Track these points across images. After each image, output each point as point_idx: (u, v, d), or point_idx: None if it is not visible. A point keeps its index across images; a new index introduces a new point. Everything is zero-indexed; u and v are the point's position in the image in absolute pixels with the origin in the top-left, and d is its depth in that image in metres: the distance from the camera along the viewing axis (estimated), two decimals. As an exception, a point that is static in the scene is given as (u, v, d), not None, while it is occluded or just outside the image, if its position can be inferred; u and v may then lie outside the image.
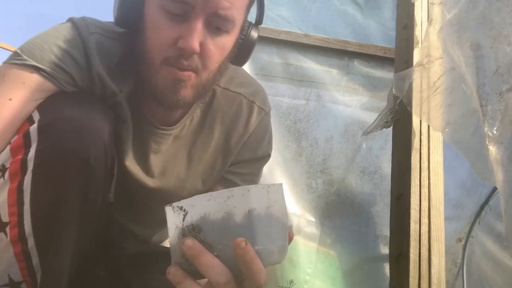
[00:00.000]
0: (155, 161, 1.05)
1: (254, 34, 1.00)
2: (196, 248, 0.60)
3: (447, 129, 1.00)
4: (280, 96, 2.01)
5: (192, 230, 0.61)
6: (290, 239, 0.68)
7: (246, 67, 2.06)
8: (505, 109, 0.77)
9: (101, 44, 0.94)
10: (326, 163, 1.91)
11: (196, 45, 0.86)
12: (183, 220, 0.61)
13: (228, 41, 0.93)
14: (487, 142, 0.77)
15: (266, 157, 1.18)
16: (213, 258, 0.60)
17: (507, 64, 0.80)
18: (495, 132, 0.76)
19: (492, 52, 0.83)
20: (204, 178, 1.12)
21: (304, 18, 2.12)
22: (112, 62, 0.95)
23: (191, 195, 1.03)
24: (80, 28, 0.94)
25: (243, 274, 0.61)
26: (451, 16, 0.96)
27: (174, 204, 0.62)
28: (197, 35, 0.86)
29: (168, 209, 0.63)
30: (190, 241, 0.60)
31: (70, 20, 0.96)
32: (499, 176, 0.74)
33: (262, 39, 2.08)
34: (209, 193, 0.61)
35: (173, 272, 0.63)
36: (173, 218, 0.62)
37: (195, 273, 0.62)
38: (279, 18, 2.11)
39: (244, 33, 0.99)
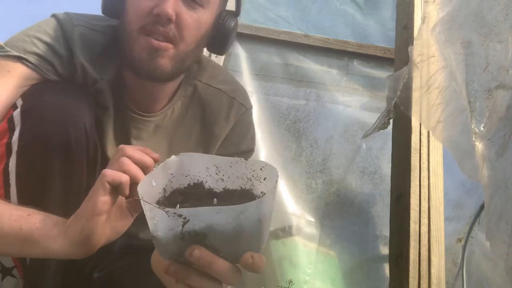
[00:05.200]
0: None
1: (231, 22, 1.05)
2: (205, 257, 0.60)
3: (437, 128, 1.00)
4: (280, 96, 2.01)
5: (194, 236, 0.59)
6: None
7: (246, 67, 2.08)
8: (493, 106, 0.77)
9: (85, 35, 1.01)
10: (325, 163, 1.90)
11: (170, 10, 0.91)
12: (183, 226, 0.59)
13: (203, 16, 0.99)
14: (473, 139, 0.77)
15: (249, 151, 1.21)
16: (223, 263, 0.61)
17: (496, 62, 0.80)
18: (482, 128, 0.76)
19: (482, 50, 0.84)
20: None
21: (304, 18, 2.13)
22: (95, 51, 1.01)
23: None
24: (62, 21, 1.01)
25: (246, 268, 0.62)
26: (444, 14, 0.96)
27: (169, 210, 0.58)
28: (171, 3, 0.92)
29: (155, 210, 0.60)
30: (197, 252, 0.59)
31: (54, 15, 1.03)
32: (484, 172, 0.74)
33: (262, 39, 2.09)
34: (219, 207, 0.59)
35: (174, 270, 0.62)
36: (167, 221, 0.59)
37: (189, 263, 0.62)
38: (279, 18, 2.12)
39: (221, 20, 1.04)
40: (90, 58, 1.00)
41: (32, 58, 0.96)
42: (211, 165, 0.73)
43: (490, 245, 0.72)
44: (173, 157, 0.73)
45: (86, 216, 0.76)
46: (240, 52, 2.09)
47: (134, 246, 1.13)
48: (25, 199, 0.87)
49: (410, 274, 1.30)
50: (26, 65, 0.95)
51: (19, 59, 0.95)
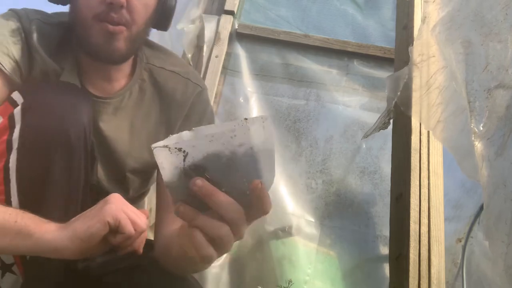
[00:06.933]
0: (99, 129, 1.11)
1: (172, 1, 1.15)
2: (207, 187, 0.62)
3: (437, 127, 1.00)
4: (280, 96, 2.01)
5: (195, 170, 0.63)
6: None
7: (246, 67, 2.08)
8: (492, 105, 0.77)
9: (41, 29, 1.06)
10: (325, 163, 1.90)
11: None
12: (184, 161, 0.63)
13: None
14: (473, 138, 0.77)
15: None
16: (225, 196, 0.63)
17: (496, 61, 0.80)
18: (481, 128, 0.77)
19: (482, 49, 0.84)
20: (150, 149, 1.15)
21: (304, 18, 2.13)
22: (52, 44, 1.06)
23: (138, 164, 1.14)
24: (20, 15, 1.05)
25: (254, 206, 0.65)
26: (444, 14, 0.96)
27: (170, 145, 0.63)
28: None
29: (161, 150, 0.64)
30: (200, 181, 0.62)
31: (11, 9, 1.07)
32: (483, 172, 0.74)
33: (262, 39, 2.09)
34: (210, 134, 0.63)
35: (183, 210, 0.65)
36: (171, 159, 0.63)
37: (201, 208, 0.65)
38: (279, 18, 2.12)
39: (163, 0, 1.13)
40: (48, 50, 1.05)
41: None
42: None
43: (489, 244, 0.72)
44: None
45: (100, 218, 0.82)
46: (240, 52, 2.09)
47: None
48: (25, 196, 0.90)
49: (410, 274, 1.30)
50: None
51: None
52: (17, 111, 0.93)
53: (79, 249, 0.83)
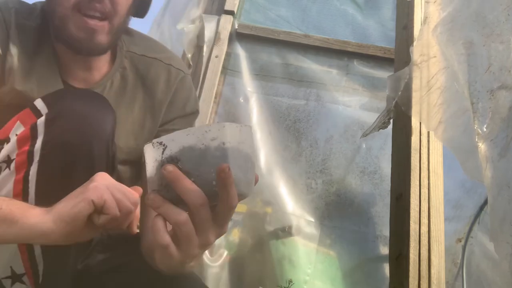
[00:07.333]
0: None
1: None
2: (176, 173, 0.67)
3: (438, 128, 1.01)
4: (280, 96, 2.01)
5: (171, 161, 0.68)
6: (256, 180, 0.76)
7: (246, 67, 2.08)
8: (495, 106, 0.77)
9: (20, 19, 1.04)
10: (325, 163, 1.90)
11: None
12: (162, 154, 0.68)
13: None
14: (476, 140, 0.77)
15: (195, 113, 1.25)
16: (191, 183, 0.67)
17: (498, 62, 0.80)
18: (485, 129, 0.77)
19: (484, 50, 0.84)
20: (136, 137, 1.16)
21: (304, 18, 2.13)
22: (30, 35, 1.05)
23: (125, 154, 1.12)
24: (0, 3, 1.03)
25: (220, 197, 0.68)
26: (445, 14, 0.96)
27: (154, 140, 0.69)
28: None
29: (147, 146, 0.70)
30: (170, 167, 0.67)
31: None
32: (487, 173, 0.74)
33: (262, 39, 2.09)
34: (188, 128, 0.68)
35: (152, 198, 0.69)
36: (153, 153, 0.69)
37: (171, 200, 0.69)
38: (279, 18, 2.12)
39: None
40: (26, 41, 1.04)
41: None
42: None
43: (494, 246, 0.72)
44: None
45: (84, 196, 0.79)
46: (240, 52, 2.09)
47: (105, 243, 1.13)
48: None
49: (410, 274, 1.30)
50: None
51: None
52: (41, 122, 0.89)
53: (65, 231, 0.79)
